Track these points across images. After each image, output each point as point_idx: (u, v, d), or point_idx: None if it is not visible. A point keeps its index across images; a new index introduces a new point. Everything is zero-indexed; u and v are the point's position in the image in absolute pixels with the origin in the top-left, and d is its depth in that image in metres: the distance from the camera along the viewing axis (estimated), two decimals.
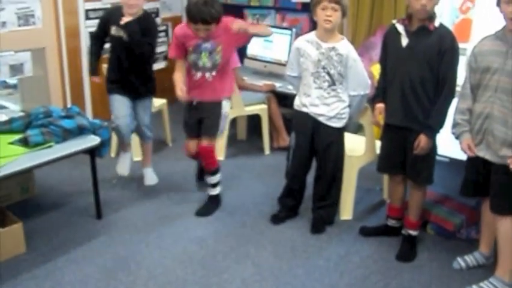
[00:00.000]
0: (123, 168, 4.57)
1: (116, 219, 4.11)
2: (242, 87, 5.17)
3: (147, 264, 3.57)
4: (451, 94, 3.36)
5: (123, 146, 4.55)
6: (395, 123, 3.54)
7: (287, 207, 4.16)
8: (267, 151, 5.46)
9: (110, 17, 4.29)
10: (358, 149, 4.14)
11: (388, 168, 3.80)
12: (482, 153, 3.23)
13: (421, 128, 3.42)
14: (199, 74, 4.01)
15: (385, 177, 4.32)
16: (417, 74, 3.38)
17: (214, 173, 4.23)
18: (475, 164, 3.32)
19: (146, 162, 4.73)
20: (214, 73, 4.00)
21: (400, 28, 3.43)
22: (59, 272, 3.47)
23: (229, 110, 4.27)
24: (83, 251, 3.70)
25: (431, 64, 3.33)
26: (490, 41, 3.19)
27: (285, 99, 5.71)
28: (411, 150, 3.49)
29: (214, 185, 4.28)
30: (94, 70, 4.49)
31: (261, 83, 5.38)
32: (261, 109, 5.27)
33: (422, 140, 3.40)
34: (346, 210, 4.17)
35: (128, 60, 4.25)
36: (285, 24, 6.11)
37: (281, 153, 5.37)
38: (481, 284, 3.32)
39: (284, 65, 5.40)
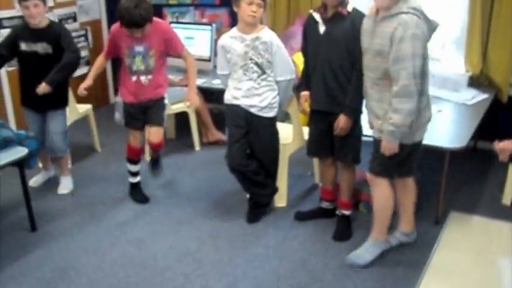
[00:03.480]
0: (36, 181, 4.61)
1: (51, 230, 4.04)
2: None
3: (86, 271, 3.55)
4: None
5: (44, 162, 4.64)
6: (320, 108, 3.66)
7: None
8: (197, 147, 5.49)
9: (18, 33, 4.20)
10: (287, 136, 4.22)
11: (317, 152, 3.93)
12: (375, 133, 3.40)
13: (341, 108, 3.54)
14: (134, 78, 4.09)
15: (315, 162, 4.44)
16: (336, 59, 3.49)
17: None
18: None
19: (62, 171, 4.72)
20: (150, 77, 4.09)
21: (317, 16, 3.54)
22: None
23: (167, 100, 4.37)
24: (20, 265, 3.62)
25: (349, 48, 3.44)
26: (365, 21, 3.32)
27: (210, 95, 5.76)
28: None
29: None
30: None
31: (178, 78, 5.38)
32: (187, 106, 5.28)
33: (341, 120, 3.53)
34: (280, 197, 4.25)
35: (40, 73, 4.16)
36: (204, 20, 6.14)
37: (211, 148, 5.44)
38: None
39: (207, 60, 5.47)
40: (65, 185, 4.68)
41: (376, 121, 3.30)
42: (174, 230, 4.01)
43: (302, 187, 4.60)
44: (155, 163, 4.58)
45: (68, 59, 4.20)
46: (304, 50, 3.74)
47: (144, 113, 4.22)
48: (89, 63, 6.50)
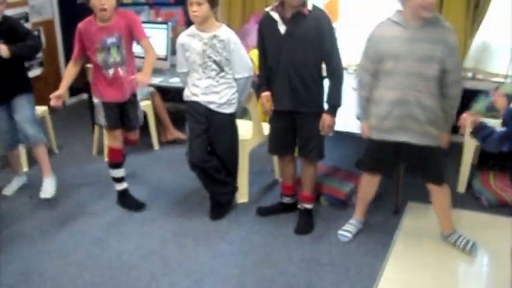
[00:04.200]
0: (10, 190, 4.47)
1: (11, 234, 3.98)
2: None
3: (51, 274, 3.51)
4: (341, 70, 3.56)
5: (14, 166, 4.48)
6: (284, 108, 3.69)
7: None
8: (156, 147, 5.50)
9: None
10: (246, 133, 4.26)
11: (279, 150, 3.98)
12: (403, 137, 3.38)
13: (308, 110, 3.62)
14: (111, 72, 3.97)
15: (275, 158, 4.49)
16: (301, 59, 3.52)
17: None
18: (385, 146, 3.48)
19: (43, 170, 4.47)
20: (125, 68, 3.99)
21: (275, 15, 3.54)
22: None
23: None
24: None
25: (313, 47, 3.49)
26: (389, 27, 3.29)
27: (167, 94, 5.76)
28: (302, 131, 3.70)
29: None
30: None
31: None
32: (145, 105, 5.25)
33: (326, 119, 3.61)
34: (242, 193, 4.30)
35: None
36: (159, 19, 6.13)
37: (170, 147, 5.46)
38: (459, 243, 3.60)
39: (164, 59, 5.46)
40: (47, 188, 4.40)
41: (419, 126, 3.32)
42: (138, 230, 4.01)
43: (263, 183, 4.65)
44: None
45: (31, 42, 4.19)
46: (262, 50, 3.75)
47: (121, 112, 4.13)
48: (43, 64, 6.42)
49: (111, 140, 4.20)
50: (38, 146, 4.43)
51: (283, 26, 3.51)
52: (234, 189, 4.18)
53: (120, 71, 3.99)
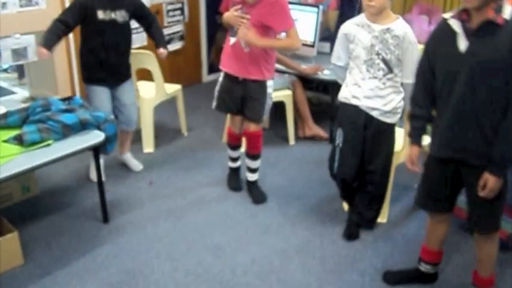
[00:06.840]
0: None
1: (123, 223, 3.70)
2: (280, 62, 4.61)
3: (156, 278, 3.16)
4: None
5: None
6: (447, 155, 2.71)
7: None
8: (291, 141, 5.00)
9: (92, 2, 3.81)
10: (397, 143, 3.64)
11: (431, 205, 2.97)
12: None
13: (481, 162, 2.60)
14: (233, 40, 3.71)
15: None
16: (484, 92, 2.49)
17: (257, 157, 4.02)
18: None
19: (126, 149, 4.51)
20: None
21: (456, 25, 2.55)
22: None
23: (273, 90, 3.88)
24: (86, 262, 3.30)
25: (504, 73, 2.44)
26: None
27: (309, 83, 5.24)
28: (470, 191, 2.73)
29: (255, 170, 4.07)
30: (49, 44, 3.76)
31: (305, 65, 4.76)
32: (285, 95, 4.79)
33: (489, 180, 2.57)
34: (381, 212, 3.69)
35: (116, 42, 3.98)
36: (310, 1, 5.60)
37: (307, 143, 4.95)
38: None
39: (311, 46, 4.94)
40: (136, 162, 4.50)
41: None
42: (258, 238, 3.56)
43: (406, 201, 4.00)
44: (253, 187, 4.10)
45: (159, 28, 4.26)
46: (426, 73, 2.75)
47: (243, 98, 3.78)
48: (183, 38, 6.12)
49: (230, 121, 4.06)
50: (132, 130, 4.40)
51: (464, 41, 2.51)
52: (380, 207, 3.59)
53: (242, 44, 3.65)
